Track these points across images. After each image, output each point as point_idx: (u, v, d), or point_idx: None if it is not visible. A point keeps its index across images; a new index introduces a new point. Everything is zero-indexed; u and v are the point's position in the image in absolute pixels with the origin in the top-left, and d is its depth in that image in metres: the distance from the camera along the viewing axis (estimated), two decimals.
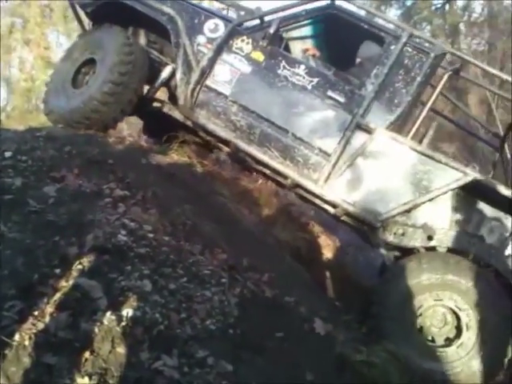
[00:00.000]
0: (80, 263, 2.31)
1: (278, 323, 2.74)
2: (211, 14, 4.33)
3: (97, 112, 4.01)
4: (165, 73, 4.36)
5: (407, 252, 3.87)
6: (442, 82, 4.24)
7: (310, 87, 3.95)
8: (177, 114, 4.29)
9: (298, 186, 4.06)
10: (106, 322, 2.06)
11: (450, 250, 3.75)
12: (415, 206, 3.77)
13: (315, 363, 2.63)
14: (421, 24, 18.61)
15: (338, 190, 3.86)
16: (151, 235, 2.71)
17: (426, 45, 4.14)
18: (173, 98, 4.50)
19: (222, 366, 2.15)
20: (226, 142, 4.16)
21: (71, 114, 4.05)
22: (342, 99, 3.91)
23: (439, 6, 17.91)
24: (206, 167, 4.49)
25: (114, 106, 4.08)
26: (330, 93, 3.93)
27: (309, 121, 3.93)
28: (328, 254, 5.19)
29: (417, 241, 3.79)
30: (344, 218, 4.05)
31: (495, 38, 16.15)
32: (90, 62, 4.29)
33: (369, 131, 3.82)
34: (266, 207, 4.97)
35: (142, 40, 4.62)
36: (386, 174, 3.78)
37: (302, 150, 3.94)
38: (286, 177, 4.05)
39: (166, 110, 4.37)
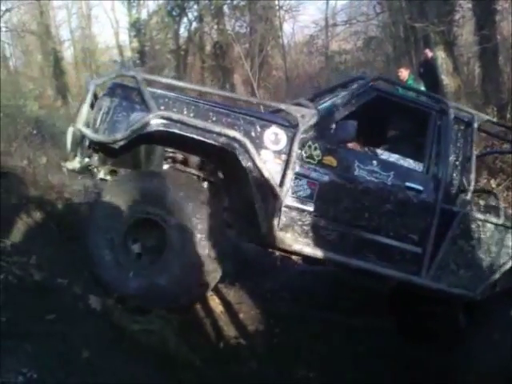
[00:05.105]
0: None
1: (49, 306, 2.63)
2: (262, 119, 3.69)
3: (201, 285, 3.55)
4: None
5: None
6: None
7: (389, 182, 3.78)
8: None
9: (402, 283, 3.92)
10: None
11: None
12: (503, 274, 3.97)
13: (91, 340, 2.61)
14: (188, 2, 19.15)
15: (440, 277, 3.84)
16: None
17: (466, 115, 4.14)
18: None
19: None
20: (318, 260, 3.80)
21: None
22: (420, 187, 3.83)
23: None
24: None
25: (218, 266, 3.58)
26: (408, 183, 3.82)
27: (397, 216, 3.78)
28: None
29: None
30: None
31: (255, 22, 17.54)
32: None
33: (453, 214, 3.84)
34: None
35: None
36: (476, 250, 3.92)
37: (398, 247, 3.80)
38: (388, 278, 3.88)
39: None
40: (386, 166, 3.85)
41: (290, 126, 3.70)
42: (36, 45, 21.90)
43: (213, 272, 3.55)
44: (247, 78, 16.09)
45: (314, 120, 3.73)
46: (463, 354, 3.91)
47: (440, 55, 10.56)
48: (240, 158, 3.49)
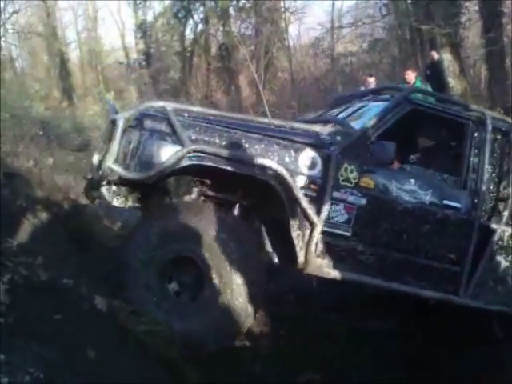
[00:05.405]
0: None
1: (56, 306, 2.63)
2: (295, 142, 3.54)
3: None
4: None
5: None
6: None
7: (427, 201, 3.70)
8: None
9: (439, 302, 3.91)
10: None
11: None
12: None
13: (97, 340, 2.61)
14: (194, 4, 19.20)
15: (478, 295, 3.80)
16: None
17: (504, 125, 4.01)
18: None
19: None
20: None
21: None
22: (458, 205, 3.76)
23: None
24: None
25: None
26: (446, 201, 3.74)
27: (436, 236, 3.71)
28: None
29: None
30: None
31: (261, 24, 17.57)
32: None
33: (491, 231, 3.78)
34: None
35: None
36: None
37: (436, 267, 3.75)
38: (427, 299, 3.88)
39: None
40: (424, 183, 3.75)
41: (325, 147, 3.56)
42: (42, 46, 22.04)
43: (245, 319, 3.44)
44: (253, 79, 16.10)
45: (349, 140, 3.60)
46: (500, 365, 3.84)
47: (446, 57, 10.55)
48: (276, 187, 3.38)
